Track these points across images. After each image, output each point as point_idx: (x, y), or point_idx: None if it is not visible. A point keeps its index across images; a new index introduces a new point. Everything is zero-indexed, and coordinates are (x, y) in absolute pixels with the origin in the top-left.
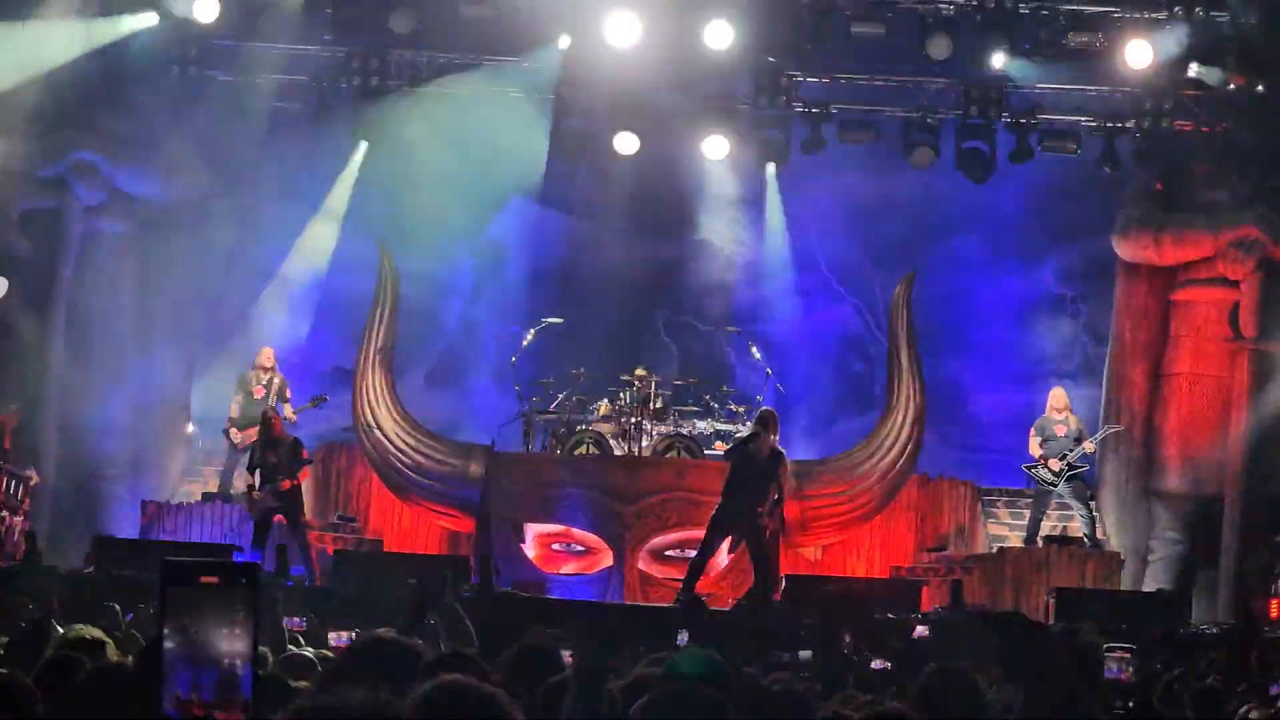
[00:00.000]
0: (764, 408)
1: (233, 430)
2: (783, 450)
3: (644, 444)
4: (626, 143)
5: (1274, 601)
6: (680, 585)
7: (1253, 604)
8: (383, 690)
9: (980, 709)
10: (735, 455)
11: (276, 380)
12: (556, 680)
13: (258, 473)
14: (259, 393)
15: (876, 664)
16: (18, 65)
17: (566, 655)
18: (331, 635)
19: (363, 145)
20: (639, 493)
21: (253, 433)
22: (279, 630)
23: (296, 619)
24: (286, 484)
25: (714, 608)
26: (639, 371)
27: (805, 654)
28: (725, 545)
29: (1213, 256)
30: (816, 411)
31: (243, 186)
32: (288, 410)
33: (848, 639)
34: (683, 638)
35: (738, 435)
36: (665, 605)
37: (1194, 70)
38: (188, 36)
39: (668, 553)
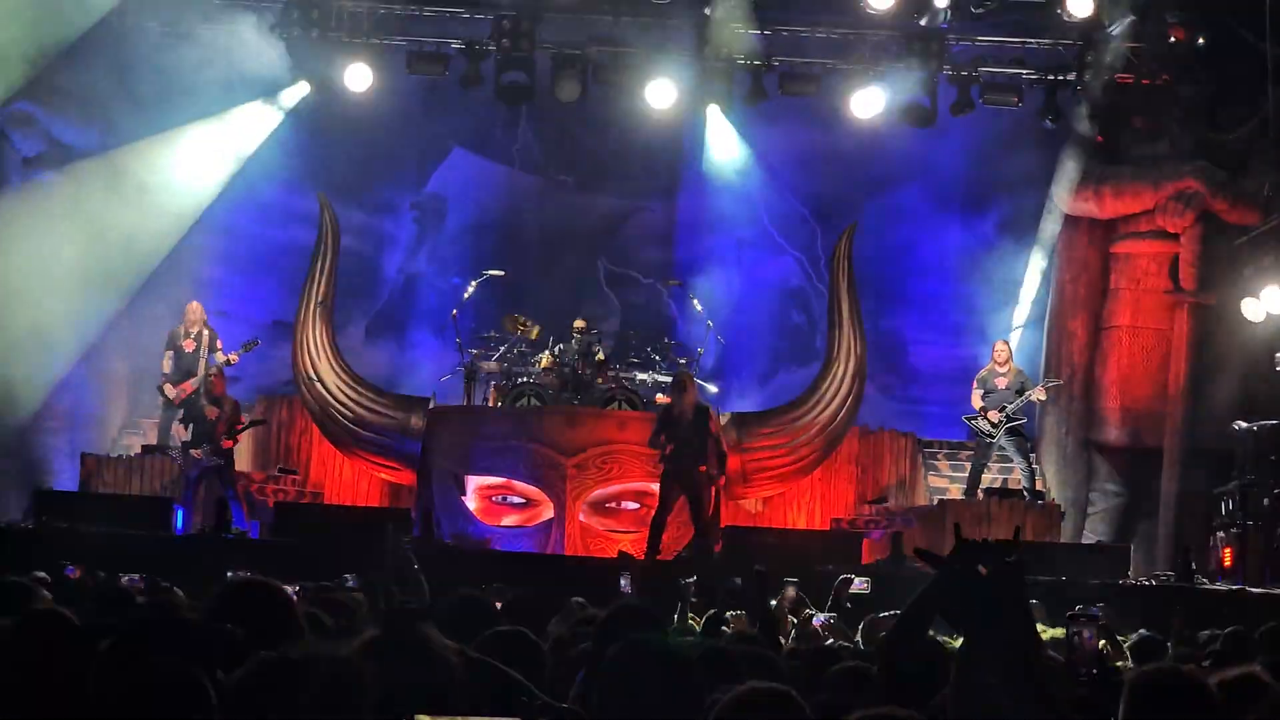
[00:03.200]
0: (677, 372)
1: (166, 386)
2: (706, 405)
3: (585, 396)
4: (568, 89)
5: (1227, 550)
6: (619, 538)
7: (1191, 555)
8: (343, 645)
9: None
10: (662, 426)
11: (206, 333)
12: (493, 631)
13: (192, 427)
14: (189, 346)
15: (818, 620)
16: None
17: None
18: None
19: (303, 86)
20: (580, 445)
21: (187, 386)
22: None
23: (242, 573)
24: (228, 444)
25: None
26: (578, 323)
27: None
28: (681, 502)
29: (1152, 209)
30: (757, 364)
31: (182, 137)
32: (220, 358)
33: (791, 594)
34: (625, 581)
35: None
36: (606, 557)
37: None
38: None
39: (608, 505)
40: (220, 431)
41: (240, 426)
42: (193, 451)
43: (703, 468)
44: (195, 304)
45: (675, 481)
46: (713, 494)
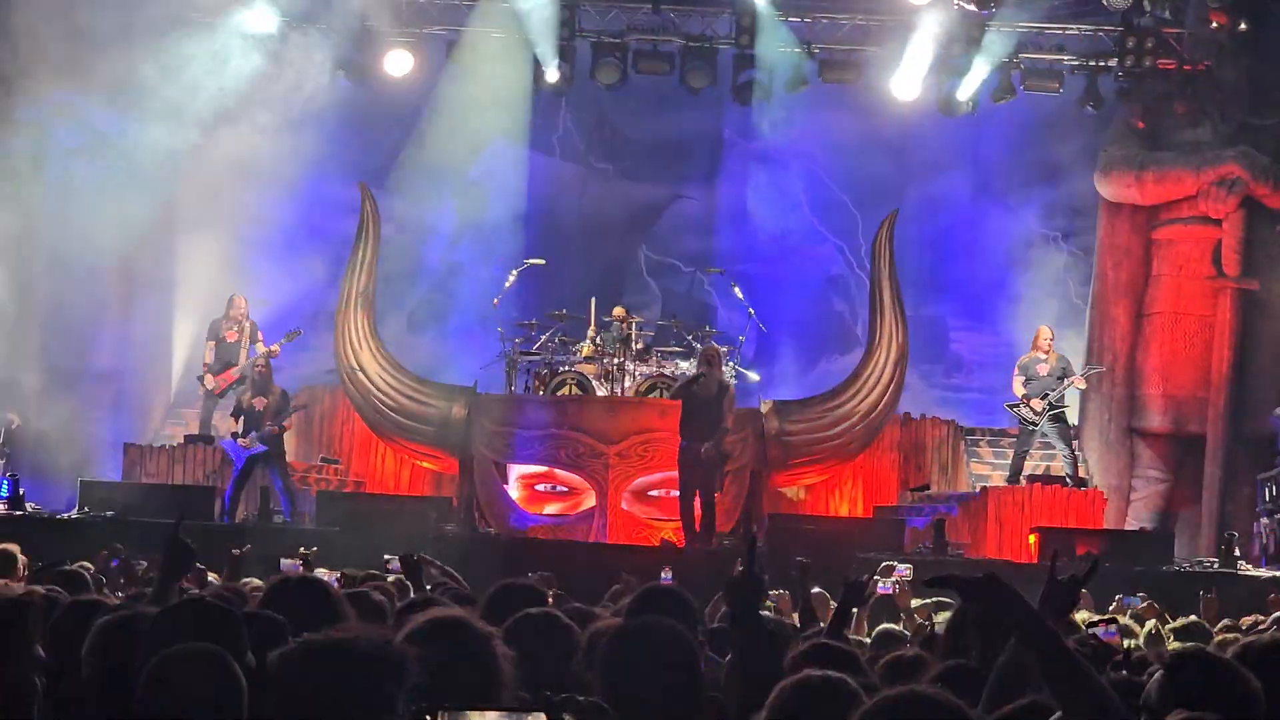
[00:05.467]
0: (708, 345)
1: (208, 376)
2: (729, 383)
3: (626, 384)
4: (607, 74)
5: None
6: (661, 526)
7: (1234, 541)
8: (383, 628)
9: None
10: (681, 395)
11: (247, 325)
12: (532, 613)
13: (242, 419)
14: (231, 337)
15: (883, 588)
16: None
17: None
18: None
19: (345, 75)
20: (621, 433)
21: (228, 376)
22: None
23: (296, 563)
24: (275, 430)
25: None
26: (617, 311)
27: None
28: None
29: (1195, 195)
30: (799, 352)
31: (223, 129)
32: (262, 348)
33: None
34: (667, 575)
35: (683, 374)
36: (649, 546)
37: None
38: None
39: (650, 493)
40: (267, 420)
41: (289, 410)
42: (240, 441)
43: (709, 443)
44: (240, 297)
45: (688, 461)
46: (747, 481)
